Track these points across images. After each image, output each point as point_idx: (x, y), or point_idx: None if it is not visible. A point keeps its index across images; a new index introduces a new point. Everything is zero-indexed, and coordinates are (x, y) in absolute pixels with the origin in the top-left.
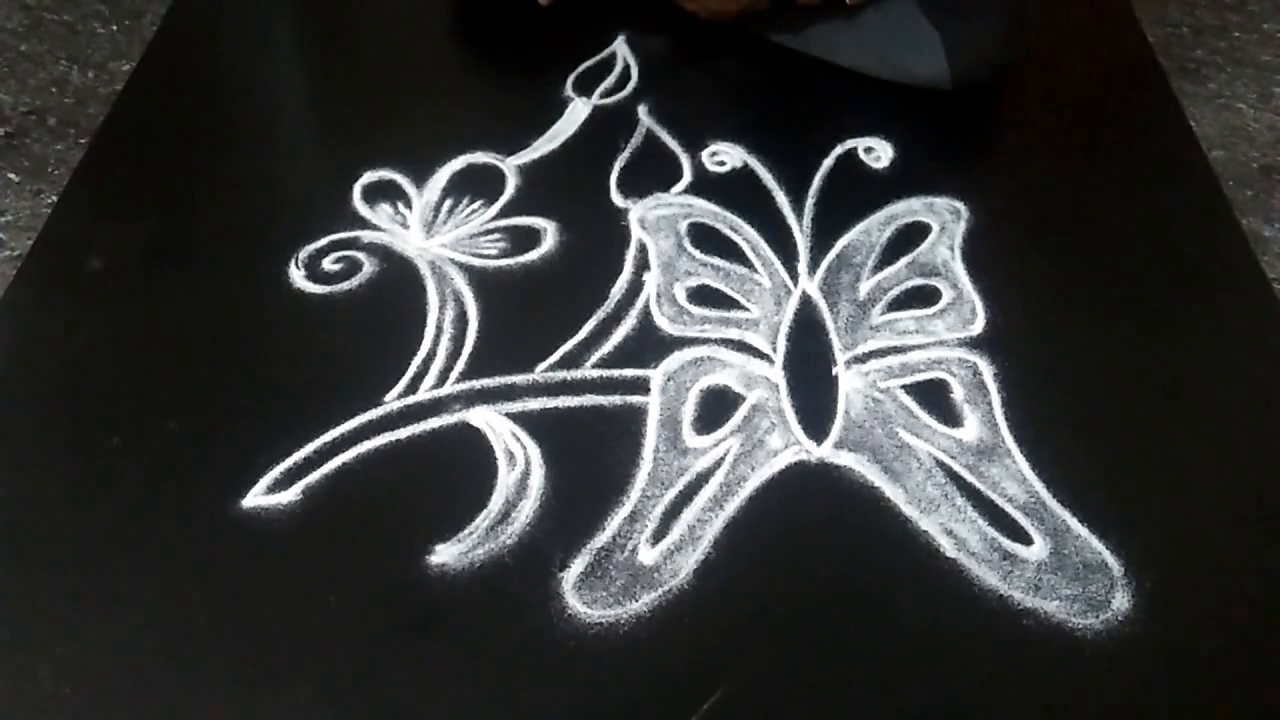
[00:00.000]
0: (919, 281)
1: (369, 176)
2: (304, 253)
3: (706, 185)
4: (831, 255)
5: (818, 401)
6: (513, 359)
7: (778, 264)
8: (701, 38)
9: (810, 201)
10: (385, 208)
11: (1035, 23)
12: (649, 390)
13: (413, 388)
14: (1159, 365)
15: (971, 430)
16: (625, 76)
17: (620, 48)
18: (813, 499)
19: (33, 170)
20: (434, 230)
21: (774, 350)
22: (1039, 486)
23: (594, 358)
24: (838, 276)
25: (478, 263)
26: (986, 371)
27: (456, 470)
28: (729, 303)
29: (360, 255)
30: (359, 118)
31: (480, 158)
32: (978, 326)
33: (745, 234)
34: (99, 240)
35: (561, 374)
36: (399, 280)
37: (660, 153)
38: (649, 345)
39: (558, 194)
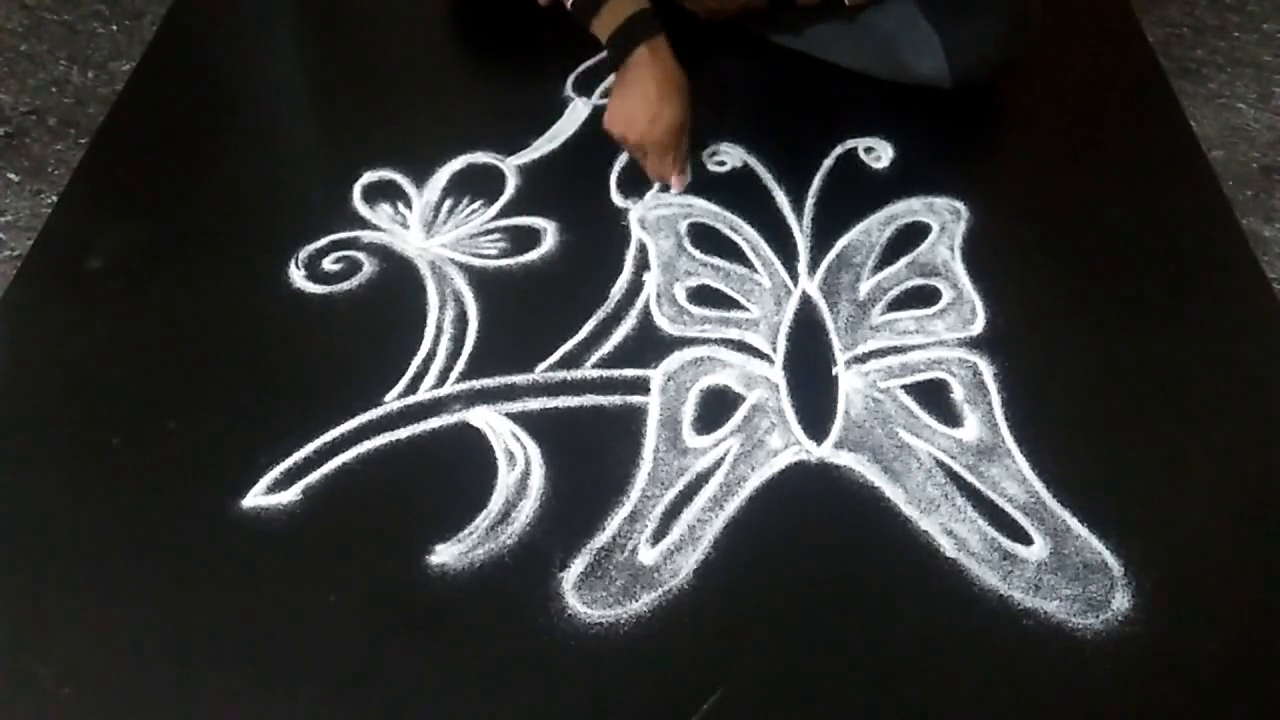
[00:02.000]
0: (919, 281)
1: (369, 176)
2: (304, 253)
3: (706, 185)
4: (831, 255)
5: (818, 401)
6: (513, 359)
7: (778, 264)
8: (701, 38)
9: (810, 201)
10: (385, 208)
11: (1035, 22)
12: (649, 390)
13: (413, 388)
14: (1159, 365)
15: (971, 430)
16: None
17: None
18: (813, 499)
19: (33, 170)
20: (434, 230)
21: (774, 350)
22: (1039, 486)
23: (594, 358)
24: (838, 276)
25: (478, 263)
26: (986, 371)
27: (456, 470)
28: (729, 303)
29: (360, 255)
30: (359, 118)
31: (480, 158)
32: (978, 326)
33: (745, 234)
34: (99, 240)
35: (561, 374)
36: (399, 280)
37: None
38: (649, 345)
39: (558, 194)
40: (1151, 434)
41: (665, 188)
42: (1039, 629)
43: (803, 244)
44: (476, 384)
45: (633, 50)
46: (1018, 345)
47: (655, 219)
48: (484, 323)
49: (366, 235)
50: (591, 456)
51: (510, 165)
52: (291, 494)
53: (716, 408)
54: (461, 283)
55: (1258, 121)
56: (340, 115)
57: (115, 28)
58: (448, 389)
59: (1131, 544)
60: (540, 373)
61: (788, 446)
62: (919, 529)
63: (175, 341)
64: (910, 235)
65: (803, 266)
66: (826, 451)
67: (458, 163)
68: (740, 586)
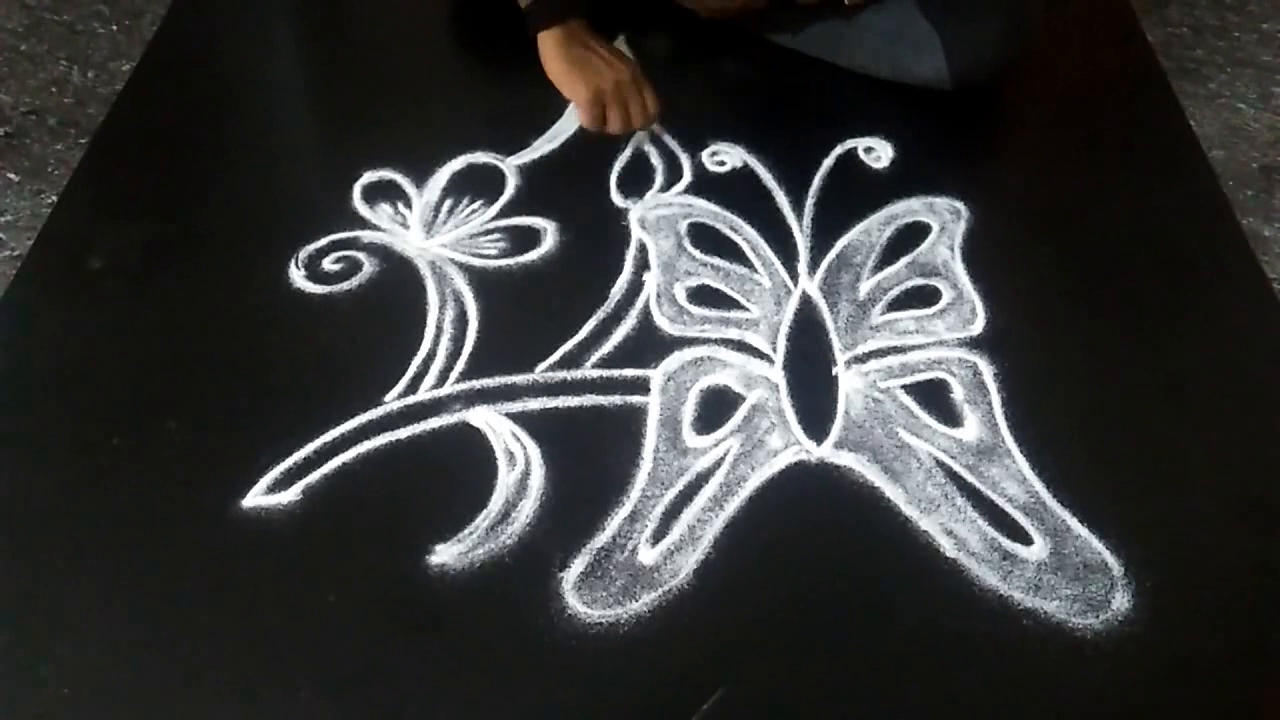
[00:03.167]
0: (919, 281)
1: (369, 176)
2: (304, 253)
3: (706, 185)
4: (831, 255)
5: (818, 401)
6: (513, 359)
7: (778, 264)
8: (701, 38)
9: (810, 201)
10: (385, 208)
11: (1035, 23)
12: (649, 390)
13: (413, 388)
14: (1159, 365)
15: (971, 430)
16: None
17: (620, 48)
18: (813, 499)
19: (33, 170)
20: (434, 230)
21: (774, 350)
22: (1039, 486)
23: (594, 358)
24: (838, 276)
25: (478, 263)
26: (986, 371)
27: (456, 470)
28: (729, 303)
29: (360, 255)
30: (359, 118)
31: (480, 158)
32: (978, 326)
33: (745, 234)
34: (99, 240)
35: (561, 374)
36: (399, 280)
37: (660, 153)
38: (649, 345)
39: (558, 194)
40: (1151, 434)
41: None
42: (1039, 629)
43: (803, 244)
44: (476, 384)
45: (547, 27)
46: (1018, 345)
47: (655, 219)
48: (484, 323)
49: (366, 235)
50: (591, 456)
51: (510, 165)
52: (291, 494)
53: (716, 408)
54: (461, 283)
55: (1258, 121)
56: (340, 115)
57: (115, 28)
58: (448, 389)
59: (1131, 544)
60: (540, 373)
61: (788, 446)
62: (919, 529)
63: (175, 341)
64: (910, 235)
65: (803, 266)
66: (826, 451)
67: (458, 163)
68: (740, 586)
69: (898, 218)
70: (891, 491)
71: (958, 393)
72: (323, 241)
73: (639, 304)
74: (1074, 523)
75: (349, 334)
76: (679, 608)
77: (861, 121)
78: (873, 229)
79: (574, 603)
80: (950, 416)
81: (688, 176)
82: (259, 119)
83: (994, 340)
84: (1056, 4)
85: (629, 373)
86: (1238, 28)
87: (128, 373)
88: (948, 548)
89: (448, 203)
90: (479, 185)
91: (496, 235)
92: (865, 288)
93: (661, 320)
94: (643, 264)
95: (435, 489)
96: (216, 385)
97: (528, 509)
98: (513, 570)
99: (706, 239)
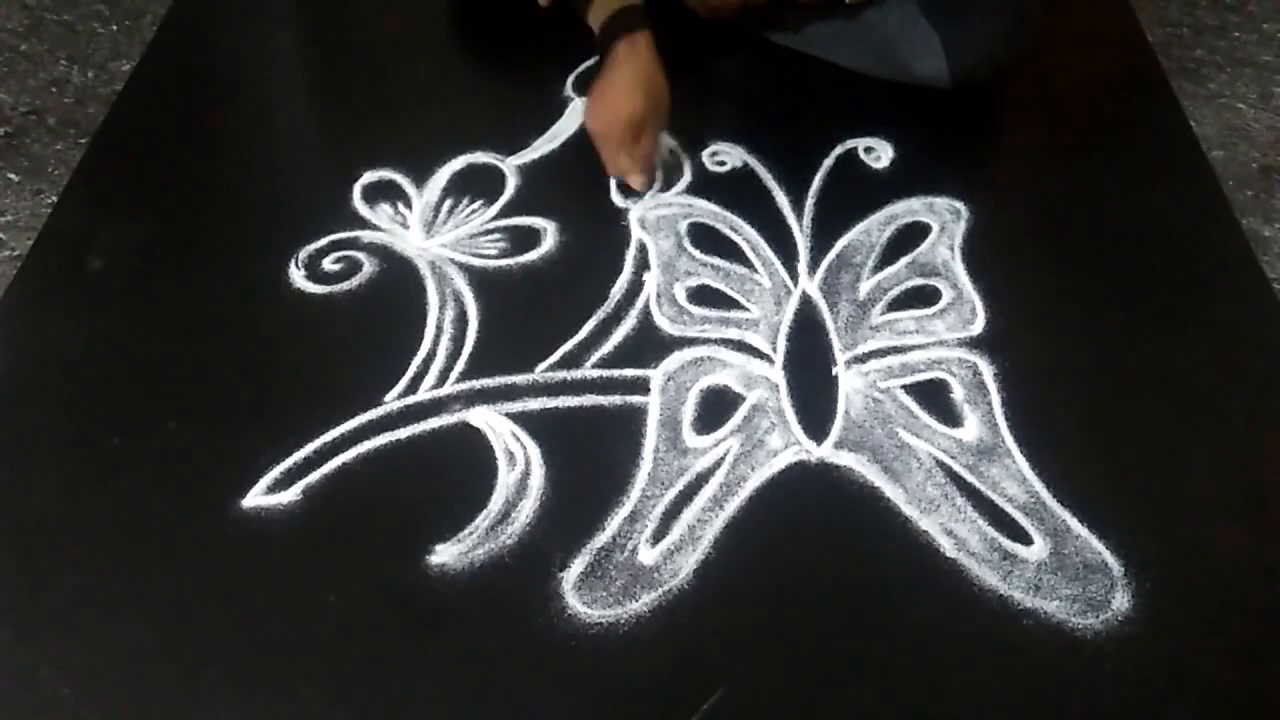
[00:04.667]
0: (919, 281)
1: (369, 176)
2: (304, 253)
3: (706, 185)
4: (831, 255)
5: (818, 401)
6: (513, 359)
7: (778, 264)
8: (701, 38)
9: (810, 201)
10: (385, 208)
11: (1035, 22)
12: (649, 390)
13: (413, 388)
14: (1159, 365)
15: (971, 430)
16: None
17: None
18: (813, 499)
19: (33, 170)
20: (434, 230)
21: (774, 350)
22: (1039, 486)
23: (594, 358)
24: (838, 276)
25: (478, 263)
26: (986, 371)
27: (456, 470)
28: (729, 303)
29: (360, 255)
30: (359, 118)
31: (480, 158)
32: (978, 326)
33: (745, 234)
34: (99, 240)
35: (561, 374)
36: (399, 280)
37: (660, 153)
38: (649, 345)
39: (558, 194)
40: (1151, 434)
41: (629, 188)
42: (1039, 629)
43: (803, 244)
44: (476, 384)
45: (613, 43)
46: (1018, 345)
47: (655, 219)
48: (484, 323)
49: (366, 235)
50: (591, 456)
51: (510, 165)
52: (291, 494)
53: (716, 408)
54: (461, 283)
55: (1258, 121)
56: (340, 115)
57: (115, 28)
58: (448, 389)
59: (1131, 544)
60: (540, 373)
61: (788, 446)
62: (919, 529)
63: (175, 341)
64: (910, 235)
65: (803, 266)
66: (826, 451)
67: (458, 163)
68: (740, 586)
69: (898, 218)
70: (891, 491)
71: (958, 393)
72: (323, 241)
73: (639, 304)
74: (1074, 523)
75: (349, 334)
76: (679, 608)
77: (861, 121)
78: (873, 229)
79: (574, 603)
80: (950, 416)
81: (688, 176)
82: (259, 119)
83: (994, 340)
84: (1056, 4)
85: (629, 373)
86: (1238, 28)
87: (128, 373)
88: (948, 548)
89: (448, 203)
90: (479, 185)
91: (496, 235)
92: (865, 288)
93: (661, 320)
94: (643, 264)
95: (435, 489)
96: (216, 385)
97: (528, 509)
98: (513, 570)
99: (706, 239)
